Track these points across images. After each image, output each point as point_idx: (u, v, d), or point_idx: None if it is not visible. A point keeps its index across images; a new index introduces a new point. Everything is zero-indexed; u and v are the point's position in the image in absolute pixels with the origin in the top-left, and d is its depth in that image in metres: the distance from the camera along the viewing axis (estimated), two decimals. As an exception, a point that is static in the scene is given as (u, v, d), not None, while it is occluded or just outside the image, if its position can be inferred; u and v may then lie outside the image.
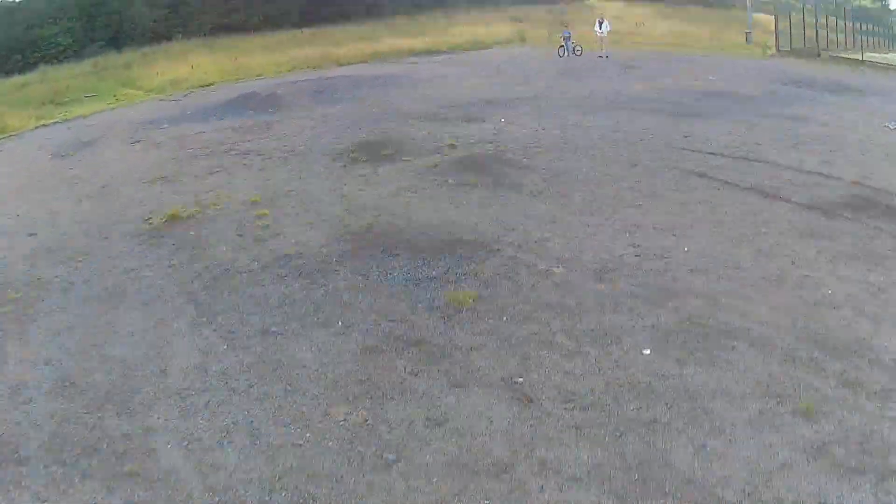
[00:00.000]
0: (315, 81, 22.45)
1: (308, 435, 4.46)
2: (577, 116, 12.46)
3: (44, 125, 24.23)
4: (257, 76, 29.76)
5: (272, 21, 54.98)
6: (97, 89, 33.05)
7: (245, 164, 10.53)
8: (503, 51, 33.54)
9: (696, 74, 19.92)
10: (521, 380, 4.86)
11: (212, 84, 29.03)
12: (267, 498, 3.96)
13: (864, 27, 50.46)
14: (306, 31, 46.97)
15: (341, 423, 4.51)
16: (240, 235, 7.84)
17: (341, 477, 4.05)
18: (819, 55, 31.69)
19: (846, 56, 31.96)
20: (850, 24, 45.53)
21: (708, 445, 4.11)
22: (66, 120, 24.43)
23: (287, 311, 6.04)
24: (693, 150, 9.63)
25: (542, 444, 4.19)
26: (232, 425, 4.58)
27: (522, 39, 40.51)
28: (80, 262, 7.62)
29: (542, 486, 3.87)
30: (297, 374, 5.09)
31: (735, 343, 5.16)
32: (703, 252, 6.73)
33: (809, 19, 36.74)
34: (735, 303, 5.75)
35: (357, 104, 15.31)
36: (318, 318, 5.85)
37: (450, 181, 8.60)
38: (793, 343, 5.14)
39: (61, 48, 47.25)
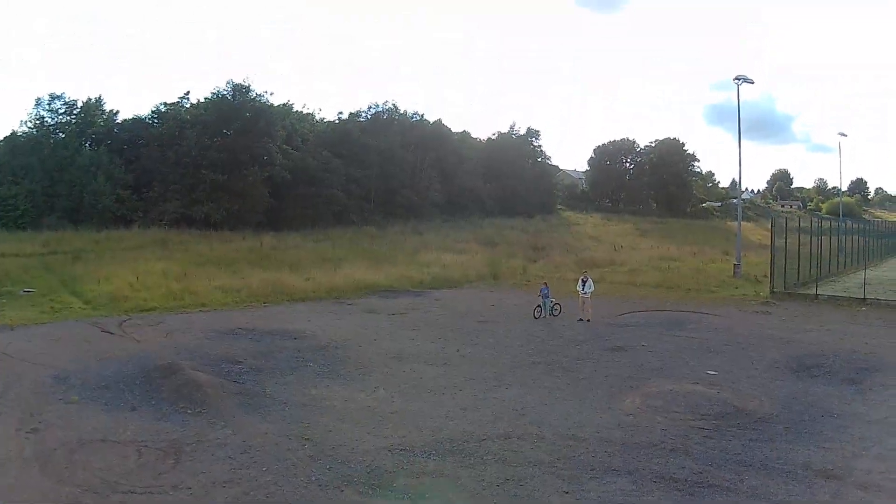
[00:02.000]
0: (256, 343, 19.95)
1: None
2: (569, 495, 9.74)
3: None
4: (201, 307, 28.01)
5: (236, 218, 53.77)
6: (39, 283, 32.00)
7: None
8: (474, 295, 31.86)
9: (695, 359, 17.68)
10: None
11: (153, 310, 27.09)
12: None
13: (849, 226, 50.39)
14: (266, 241, 46.68)
15: None
16: None
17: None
18: (816, 296, 29.94)
19: (845, 295, 30.19)
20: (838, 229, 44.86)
21: None
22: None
23: None
24: None
25: None
26: None
27: (495, 277, 38.79)
28: None
29: None
30: None
31: None
32: None
33: (795, 224, 35.54)
34: None
35: (287, 451, 12.14)
36: None
37: None
38: None
39: (19, 212, 48.01)
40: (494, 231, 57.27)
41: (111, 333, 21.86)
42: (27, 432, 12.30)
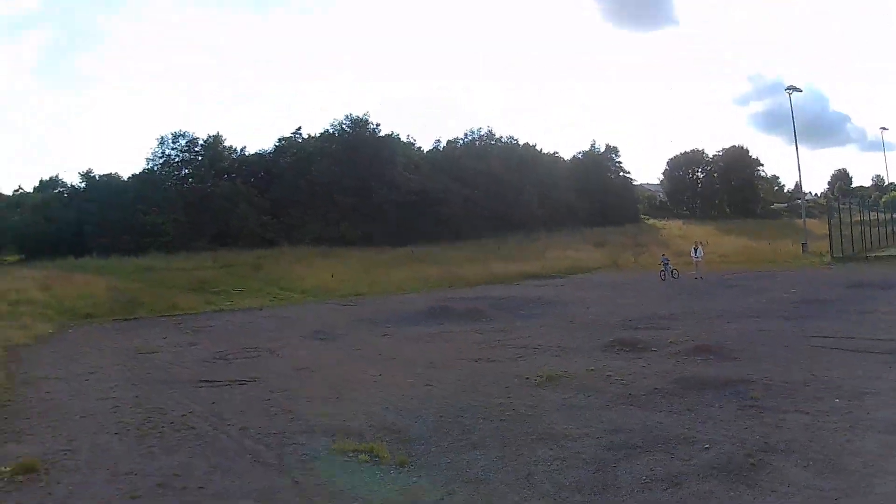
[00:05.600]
0: (480, 301, 26.99)
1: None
2: (731, 323, 20.08)
3: (220, 310, 28.93)
4: (401, 291, 34.33)
5: (367, 238, 60.99)
6: (237, 285, 36.32)
7: (540, 355, 17.57)
8: (609, 276, 41.38)
9: (783, 287, 27.95)
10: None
11: (362, 294, 32.95)
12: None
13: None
14: (416, 251, 52.78)
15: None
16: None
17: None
18: (867, 258, 39.92)
19: (888, 254, 40.05)
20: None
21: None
22: (240, 309, 29.04)
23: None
24: (827, 337, 16.77)
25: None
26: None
27: (616, 265, 49.29)
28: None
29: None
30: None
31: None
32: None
33: (855, 218, 45.07)
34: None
35: (554, 318, 22.80)
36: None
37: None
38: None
39: (169, 237, 53.60)
40: (598, 237, 67.13)
41: (352, 305, 29.43)
42: (381, 336, 20.51)
